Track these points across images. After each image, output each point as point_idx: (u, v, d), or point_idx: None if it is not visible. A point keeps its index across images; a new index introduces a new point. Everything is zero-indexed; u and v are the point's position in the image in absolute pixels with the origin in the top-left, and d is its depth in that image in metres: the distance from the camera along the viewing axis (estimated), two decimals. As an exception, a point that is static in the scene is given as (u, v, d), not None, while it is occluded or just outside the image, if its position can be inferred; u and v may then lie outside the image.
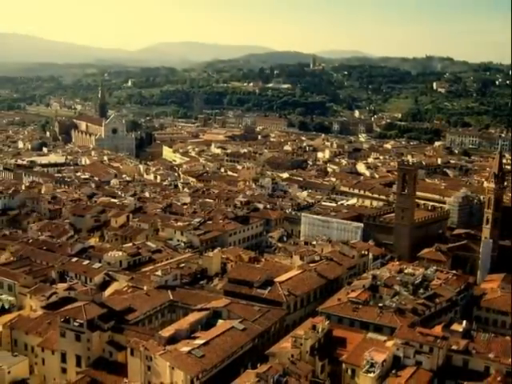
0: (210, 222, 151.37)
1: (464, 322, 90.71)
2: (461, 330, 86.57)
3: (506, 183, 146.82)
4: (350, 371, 79.13)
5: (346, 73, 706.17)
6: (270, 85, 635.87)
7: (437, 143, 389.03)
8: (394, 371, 76.21)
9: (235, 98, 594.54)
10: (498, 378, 73.19)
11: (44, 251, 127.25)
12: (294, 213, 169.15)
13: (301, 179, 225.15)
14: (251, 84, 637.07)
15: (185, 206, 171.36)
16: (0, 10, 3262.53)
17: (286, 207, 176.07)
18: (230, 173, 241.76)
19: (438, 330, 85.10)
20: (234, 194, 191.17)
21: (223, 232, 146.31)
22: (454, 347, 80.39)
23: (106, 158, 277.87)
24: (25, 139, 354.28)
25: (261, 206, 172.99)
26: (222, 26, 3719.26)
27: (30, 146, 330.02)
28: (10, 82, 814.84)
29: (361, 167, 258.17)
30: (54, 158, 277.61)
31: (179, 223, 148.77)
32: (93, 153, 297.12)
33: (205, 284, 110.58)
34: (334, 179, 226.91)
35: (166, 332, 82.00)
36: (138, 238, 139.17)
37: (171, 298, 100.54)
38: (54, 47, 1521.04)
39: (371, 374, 74.56)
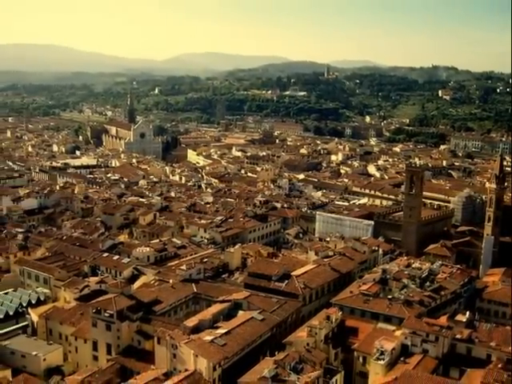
0: (231, 220, 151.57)
1: (467, 312, 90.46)
2: (464, 320, 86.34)
3: (506, 184, 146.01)
4: (361, 359, 79.29)
5: (357, 81, 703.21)
6: (287, 92, 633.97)
7: (442, 147, 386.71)
8: (402, 359, 76.15)
9: (254, 105, 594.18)
10: (499, 365, 72.69)
11: (77, 247, 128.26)
12: (309, 211, 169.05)
13: (316, 180, 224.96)
14: (269, 92, 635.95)
15: (208, 205, 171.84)
16: (41, 23, 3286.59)
17: (302, 206, 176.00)
18: (249, 174, 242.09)
19: (443, 320, 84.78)
20: (254, 193, 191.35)
21: (243, 229, 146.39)
22: (458, 336, 80.00)
23: (134, 160, 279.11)
24: (59, 143, 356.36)
25: (278, 205, 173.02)
26: (242, 38, 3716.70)
27: (63, 150, 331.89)
28: (45, 89, 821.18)
29: (371, 169, 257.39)
30: (86, 160, 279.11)
31: (203, 221, 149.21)
32: (122, 156, 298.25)
33: (226, 277, 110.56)
34: (346, 180, 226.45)
35: (191, 322, 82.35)
36: (165, 235, 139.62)
37: (195, 290, 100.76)
38: (87, 57, 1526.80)
39: (381, 362, 74.60)
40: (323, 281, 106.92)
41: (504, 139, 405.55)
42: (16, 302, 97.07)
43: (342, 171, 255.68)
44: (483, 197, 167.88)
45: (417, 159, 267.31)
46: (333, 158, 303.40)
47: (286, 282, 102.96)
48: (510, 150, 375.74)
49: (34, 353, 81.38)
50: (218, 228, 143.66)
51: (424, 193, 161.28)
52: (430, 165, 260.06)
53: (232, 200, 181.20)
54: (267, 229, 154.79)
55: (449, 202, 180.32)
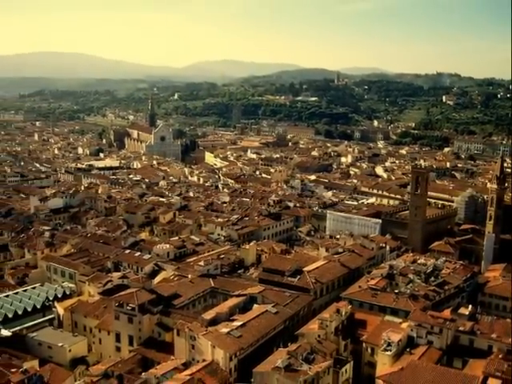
0: (247, 219, 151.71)
1: (470, 306, 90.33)
2: (467, 313, 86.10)
3: (506, 184, 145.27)
4: (369, 350, 79.28)
5: (366, 87, 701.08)
6: (299, 98, 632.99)
7: (446, 149, 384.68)
8: (408, 350, 76.03)
9: (269, 110, 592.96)
10: (500, 356, 72.48)
11: (100, 244, 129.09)
12: (320, 210, 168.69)
13: (326, 181, 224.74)
14: (283, 97, 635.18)
15: (224, 205, 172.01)
16: (68, 32, 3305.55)
17: (314, 205, 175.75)
18: (264, 175, 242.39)
19: (446, 313, 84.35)
20: (268, 193, 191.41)
21: (258, 227, 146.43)
22: (461, 328, 79.81)
23: (155, 162, 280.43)
24: (84, 146, 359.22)
25: (291, 204, 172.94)
26: (257, 47, 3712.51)
27: (88, 152, 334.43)
28: (71, 95, 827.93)
29: (379, 170, 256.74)
30: (109, 162, 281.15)
31: (219, 219, 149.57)
32: (143, 158, 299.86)
33: (242, 273, 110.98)
34: (355, 181, 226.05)
35: (208, 315, 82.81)
36: (184, 233, 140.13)
37: (212, 285, 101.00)
38: (111, 65, 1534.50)
39: (388, 352, 74.54)
40: (333, 276, 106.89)
41: (504, 142, 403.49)
42: (43, 296, 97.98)
43: (351, 172, 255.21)
44: (485, 197, 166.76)
45: (422, 161, 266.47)
46: (342, 159, 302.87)
47: (299, 277, 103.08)
48: (511, 152, 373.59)
49: (60, 344, 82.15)
50: (234, 226, 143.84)
51: (429, 193, 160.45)
52: (434, 166, 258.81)
53: (247, 200, 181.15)
54: (280, 227, 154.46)
55: (452, 201, 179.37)
